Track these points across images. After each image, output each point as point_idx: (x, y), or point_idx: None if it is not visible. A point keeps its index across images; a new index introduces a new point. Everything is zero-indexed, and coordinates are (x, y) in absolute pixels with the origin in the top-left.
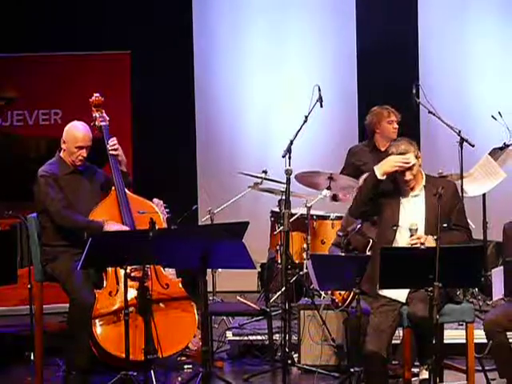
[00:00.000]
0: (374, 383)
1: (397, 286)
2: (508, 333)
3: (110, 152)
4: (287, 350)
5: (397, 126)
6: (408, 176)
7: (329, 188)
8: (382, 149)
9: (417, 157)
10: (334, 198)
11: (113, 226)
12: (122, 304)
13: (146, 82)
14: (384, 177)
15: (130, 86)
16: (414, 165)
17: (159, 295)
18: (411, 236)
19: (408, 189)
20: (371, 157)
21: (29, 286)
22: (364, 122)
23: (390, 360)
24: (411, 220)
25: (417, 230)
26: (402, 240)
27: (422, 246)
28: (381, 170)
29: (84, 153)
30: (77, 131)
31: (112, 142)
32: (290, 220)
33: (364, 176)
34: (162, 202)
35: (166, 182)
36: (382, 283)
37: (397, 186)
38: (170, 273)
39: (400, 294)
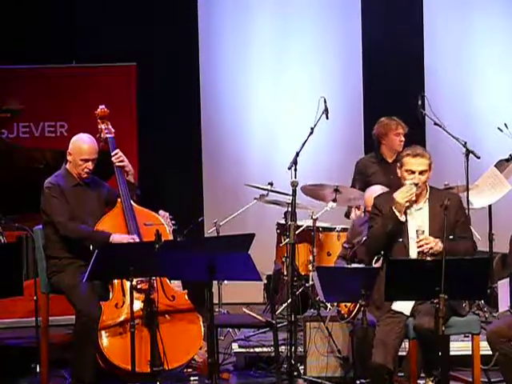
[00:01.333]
0: None
1: (403, 298)
2: None
3: (116, 164)
4: (293, 361)
5: (403, 139)
6: (418, 180)
7: (335, 200)
8: (390, 160)
9: (430, 165)
10: (347, 214)
11: (119, 237)
12: (127, 316)
13: (151, 94)
14: (404, 218)
15: (136, 99)
16: (426, 170)
17: (165, 307)
18: (417, 237)
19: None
20: (379, 168)
21: (35, 297)
22: (370, 132)
23: (395, 372)
24: (414, 230)
25: (423, 232)
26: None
27: (431, 250)
28: (397, 212)
29: (90, 165)
30: (82, 144)
31: (116, 154)
32: (296, 232)
33: (372, 188)
34: (167, 213)
35: (172, 193)
36: (387, 295)
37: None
38: (175, 285)
39: (404, 307)
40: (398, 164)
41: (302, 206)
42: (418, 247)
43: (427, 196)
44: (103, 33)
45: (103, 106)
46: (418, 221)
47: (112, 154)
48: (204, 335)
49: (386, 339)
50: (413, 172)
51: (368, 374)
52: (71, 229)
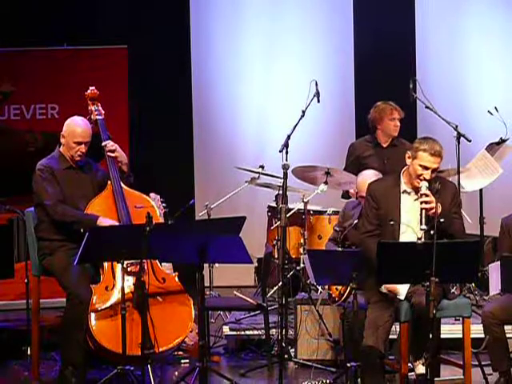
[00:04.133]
0: (371, 378)
1: (394, 281)
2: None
3: (107, 154)
4: (284, 344)
5: (398, 124)
6: (428, 176)
7: (326, 183)
8: (384, 145)
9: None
10: (345, 195)
11: (106, 221)
12: (118, 299)
13: (143, 76)
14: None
15: (128, 81)
16: (437, 168)
17: (155, 289)
18: (421, 195)
19: (412, 187)
20: (374, 151)
21: (26, 280)
22: (362, 115)
23: (386, 355)
24: (411, 217)
25: (427, 187)
26: (404, 236)
27: (431, 211)
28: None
29: (83, 148)
30: (76, 126)
31: (107, 145)
32: (287, 215)
33: (365, 172)
34: (159, 196)
35: (163, 176)
36: (379, 278)
37: (397, 182)
38: (166, 267)
39: (399, 291)
40: (410, 153)
41: (293, 189)
42: (421, 202)
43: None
44: (94, 15)
45: (93, 88)
46: (416, 205)
47: (103, 135)
48: (195, 318)
49: (378, 322)
50: (426, 168)
51: (359, 356)
52: (59, 212)
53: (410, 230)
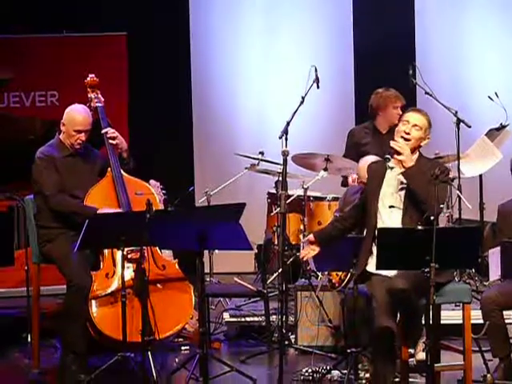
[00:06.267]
0: (383, 362)
1: (393, 267)
2: (505, 312)
3: (109, 142)
4: (284, 331)
5: (401, 112)
6: (409, 130)
7: (325, 169)
8: (383, 131)
9: (425, 129)
10: (344, 183)
11: (106, 211)
12: (118, 286)
13: (142, 63)
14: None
15: (127, 68)
16: (419, 127)
17: (156, 276)
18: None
19: (396, 160)
20: (372, 139)
21: (26, 267)
22: (361, 101)
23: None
24: (391, 196)
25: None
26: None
27: (396, 147)
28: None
29: (83, 136)
30: (77, 115)
31: (108, 132)
32: (287, 201)
33: (366, 158)
34: (158, 183)
35: (163, 163)
36: (378, 264)
37: (382, 164)
38: (167, 254)
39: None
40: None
41: (292, 176)
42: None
43: (413, 162)
44: (94, 2)
45: (93, 75)
46: (396, 184)
47: (103, 123)
48: (195, 304)
49: (385, 302)
50: (408, 122)
51: (371, 339)
52: (58, 202)
53: (390, 202)
